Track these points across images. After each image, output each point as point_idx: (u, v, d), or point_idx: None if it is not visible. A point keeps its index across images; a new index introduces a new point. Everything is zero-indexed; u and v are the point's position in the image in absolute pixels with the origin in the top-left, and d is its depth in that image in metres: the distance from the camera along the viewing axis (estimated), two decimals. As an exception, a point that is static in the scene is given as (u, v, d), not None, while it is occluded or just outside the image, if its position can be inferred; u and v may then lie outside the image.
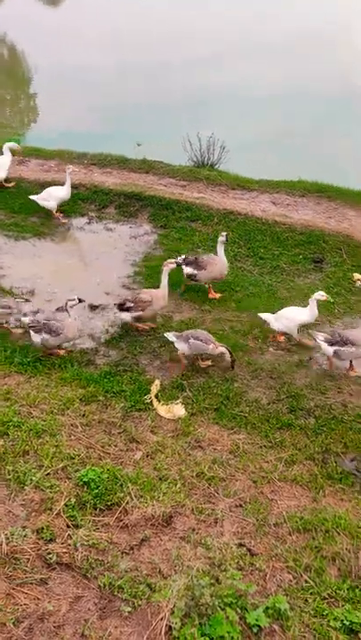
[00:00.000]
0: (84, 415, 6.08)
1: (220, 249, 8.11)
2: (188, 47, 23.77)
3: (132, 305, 7.53)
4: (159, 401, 6.47)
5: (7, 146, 10.64)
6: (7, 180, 10.78)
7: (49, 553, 3.95)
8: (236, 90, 18.56)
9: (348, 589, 4.30)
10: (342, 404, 6.53)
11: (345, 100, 17.51)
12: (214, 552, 4.28)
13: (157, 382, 6.71)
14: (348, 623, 4.01)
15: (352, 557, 4.55)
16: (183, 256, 8.26)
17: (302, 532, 4.90)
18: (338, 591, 4.30)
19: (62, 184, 9.92)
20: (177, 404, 6.46)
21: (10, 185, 10.80)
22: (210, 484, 5.33)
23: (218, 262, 8.12)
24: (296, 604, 4.17)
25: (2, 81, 23.14)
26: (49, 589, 3.67)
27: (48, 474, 4.96)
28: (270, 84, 18.78)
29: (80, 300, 7.14)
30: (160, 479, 5.29)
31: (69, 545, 4.11)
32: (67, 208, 10.28)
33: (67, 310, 7.09)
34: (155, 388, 6.61)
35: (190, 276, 8.21)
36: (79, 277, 8.78)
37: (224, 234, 8.14)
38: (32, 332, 7.12)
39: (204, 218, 10.06)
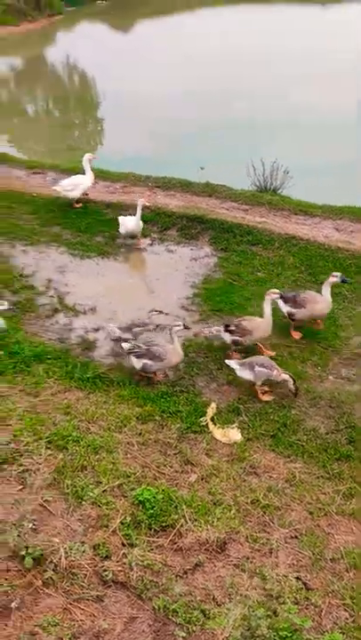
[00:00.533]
0: (140, 434, 6.14)
1: (327, 289, 7.73)
2: (253, 74, 24.11)
3: (233, 328, 7.44)
4: (215, 424, 6.45)
5: (87, 158, 10.92)
6: (78, 200, 11.17)
7: (105, 570, 3.98)
8: (299, 115, 18.63)
9: None
10: None
11: None
12: (272, 583, 4.19)
13: (214, 405, 6.70)
14: None
15: None
16: (277, 291, 7.65)
17: (360, 569, 4.74)
18: None
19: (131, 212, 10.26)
20: (233, 428, 6.42)
21: (78, 205, 11.17)
22: (265, 513, 5.25)
23: (320, 301, 7.72)
24: (353, 644, 4.02)
25: (72, 105, 24.10)
26: (104, 607, 3.69)
27: (105, 490, 5.01)
28: (333, 110, 18.76)
29: (185, 327, 7.11)
30: (214, 504, 5.25)
31: (124, 564, 4.13)
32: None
33: (171, 336, 7.06)
34: (211, 410, 6.60)
35: (289, 315, 7.87)
36: (140, 297, 8.93)
37: (337, 274, 7.72)
38: (133, 358, 7.10)
39: (265, 242, 10.06)
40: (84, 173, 10.97)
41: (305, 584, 4.45)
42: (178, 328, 7.00)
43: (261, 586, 4.20)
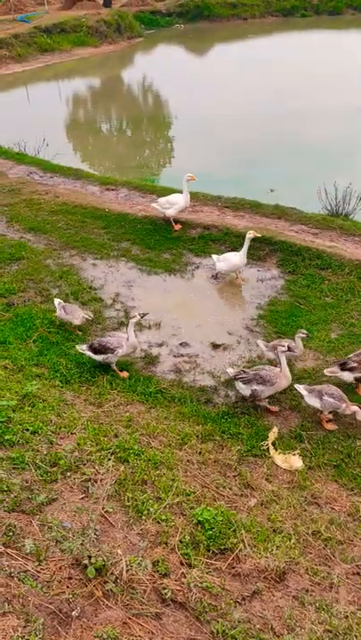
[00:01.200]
0: (200, 453, 6.10)
1: None
2: (325, 97, 23.98)
3: (355, 365, 7.04)
4: (276, 449, 6.34)
5: (186, 178, 10.76)
6: (176, 221, 11.14)
7: (164, 588, 3.95)
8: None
9: None
10: None
11: None
12: (339, 619, 4.04)
13: (275, 430, 6.59)
14: None
15: None
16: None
17: None
18: None
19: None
20: (295, 454, 6.29)
21: (177, 227, 11.12)
22: (326, 546, 5.09)
23: None
24: None
25: (145, 125, 24.68)
26: (163, 625, 3.65)
27: (165, 507, 4.99)
28: None
29: (290, 350, 6.95)
30: (274, 531, 5.13)
31: (183, 583, 4.08)
32: (195, 247, 10.64)
33: (278, 358, 6.91)
34: (272, 435, 6.50)
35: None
36: (204, 315, 8.96)
37: None
38: (240, 384, 6.92)
39: (335, 267, 9.88)
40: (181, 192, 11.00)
41: (367, 625, 4.26)
42: (283, 349, 6.74)
43: (326, 620, 4.04)
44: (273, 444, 6.40)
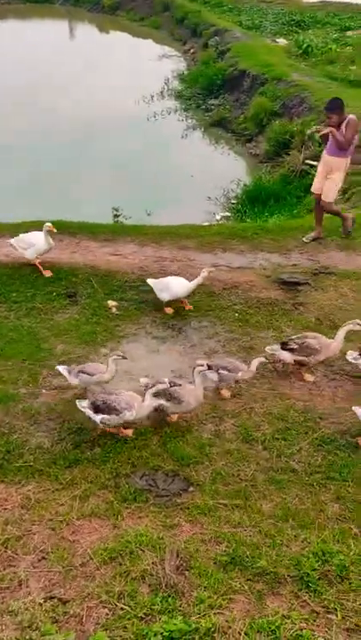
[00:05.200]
0: None
1: None
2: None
3: (295, 347, 7.12)
4: None
5: (45, 229, 9.30)
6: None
7: None
8: None
9: (160, 602, 4.45)
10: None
11: None
12: (22, 615, 4.05)
13: None
14: (167, 634, 4.15)
15: (159, 569, 4.74)
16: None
17: (109, 562, 4.92)
18: (152, 607, 4.43)
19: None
20: None
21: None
22: (7, 548, 5.04)
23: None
24: (116, 635, 4.18)
25: None
26: None
27: None
28: None
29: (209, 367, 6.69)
30: None
31: None
32: None
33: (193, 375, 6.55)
34: None
35: None
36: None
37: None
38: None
39: None
40: None
41: (60, 599, 4.44)
42: (201, 368, 6.49)
43: (13, 621, 4.02)
44: None
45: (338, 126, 9.93)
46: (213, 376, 6.95)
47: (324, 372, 7.61)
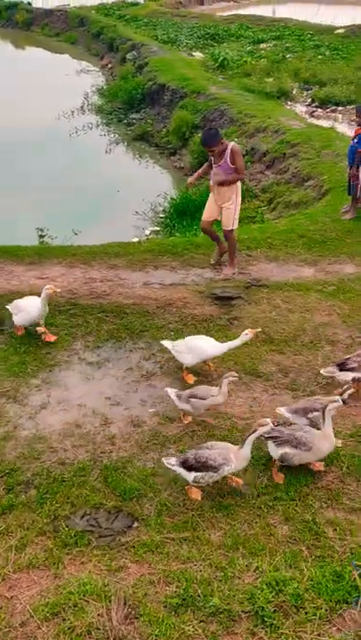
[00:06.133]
0: None
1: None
2: None
3: (355, 366, 6.60)
4: None
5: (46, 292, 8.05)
6: None
7: None
8: None
9: (109, 657, 4.14)
10: (59, 463, 6.35)
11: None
12: None
13: None
14: None
15: (106, 621, 4.41)
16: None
17: (51, 618, 4.55)
18: (101, 664, 4.10)
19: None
20: None
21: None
22: None
23: None
24: None
25: None
26: None
27: None
28: None
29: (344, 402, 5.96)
30: None
31: None
32: None
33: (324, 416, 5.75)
34: None
35: None
36: None
37: None
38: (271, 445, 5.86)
39: None
40: None
41: (-2, 672, 4.02)
42: (335, 404, 5.61)
43: None
44: None
45: (220, 154, 9.59)
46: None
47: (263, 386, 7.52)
